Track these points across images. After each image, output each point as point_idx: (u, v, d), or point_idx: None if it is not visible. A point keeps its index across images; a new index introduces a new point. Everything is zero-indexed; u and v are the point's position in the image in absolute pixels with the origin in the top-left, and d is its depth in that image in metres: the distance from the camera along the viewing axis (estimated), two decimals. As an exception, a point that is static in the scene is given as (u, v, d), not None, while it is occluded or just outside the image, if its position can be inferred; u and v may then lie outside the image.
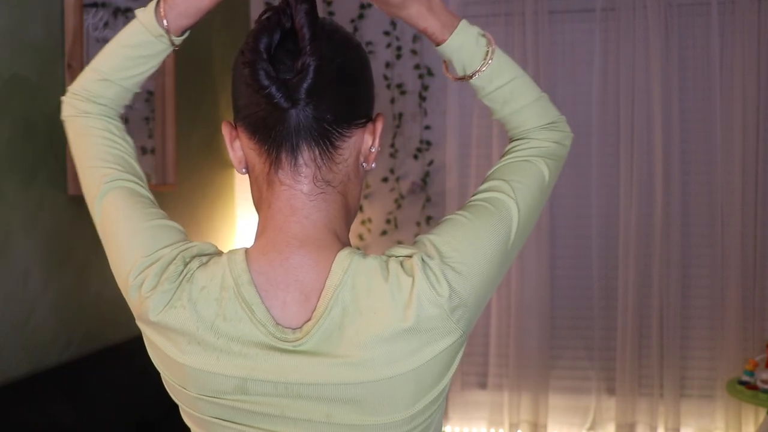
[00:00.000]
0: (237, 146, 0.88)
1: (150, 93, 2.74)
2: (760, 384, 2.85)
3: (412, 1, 0.90)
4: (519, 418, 3.43)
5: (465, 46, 0.92)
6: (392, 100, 3.49)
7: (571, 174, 3.39)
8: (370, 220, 3.54)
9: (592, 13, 3.33)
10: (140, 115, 2.69)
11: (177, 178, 2.85)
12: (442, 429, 0.91)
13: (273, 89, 0.79)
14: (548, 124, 0.96)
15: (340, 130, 0.84)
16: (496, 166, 0.94)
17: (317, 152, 0.84)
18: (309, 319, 0.81)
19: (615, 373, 3.36)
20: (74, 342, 2.32)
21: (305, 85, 0.79)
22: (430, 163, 3.50)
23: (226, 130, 0.89)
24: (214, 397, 0.83)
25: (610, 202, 3.35)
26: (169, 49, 0.96)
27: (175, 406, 0.90)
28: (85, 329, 2.37)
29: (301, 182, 0.84)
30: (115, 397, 2.22)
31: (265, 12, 0.83)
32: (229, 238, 3.47)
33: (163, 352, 0.84)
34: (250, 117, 0.84)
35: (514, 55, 3.34)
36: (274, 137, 0.83)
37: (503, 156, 0.95)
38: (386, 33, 3.49)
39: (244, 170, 0.89)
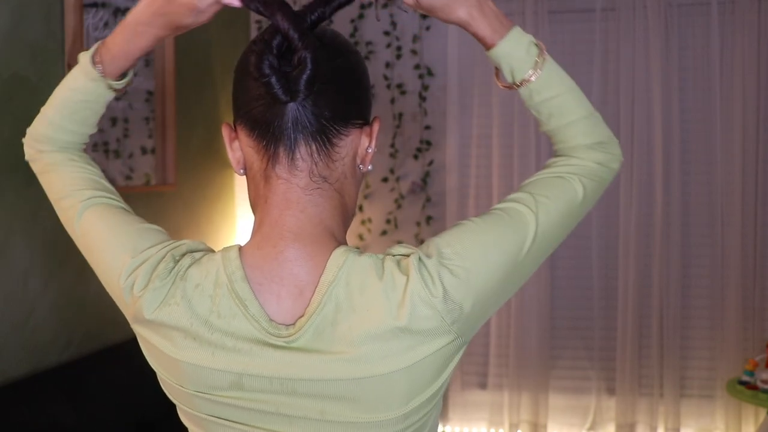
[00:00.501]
0: (236, 146, 0.89)
1: (150, 93, 2.74)
2: (760, 384, 2.85)
3: (459, 4, 0.88)
4: (519, 418, 3.43)
5: (514, 53, 0.90)
6: (392, 100, 3.49)
7: (571, 174, 3.39)
8: (370, 220, 3.54)
9: (592, 13, 3.33)
10: (140, 115, 2.69)
11: (177, 178, 2.85)
12: (442, 429, 0.90)
13: (273, 79, 0.80)
14: (595, 143, 0.92)
15: (337, 128, 0.85)
16: (529, 180, 0.91)
17: (314, 147, 0.84)
18: (302, 315, 0.81)
19: (615, 373, 3.36)
20: (74, 342, 2.32)
21: (304, 77, 0.80)
22: (430, 163, 3.50)
23: (225, 132, 0.90)
24: (210, 394, 0.83)
25: (610, 202, 3.35)
26: (109, 93, 0.96)
27: (175, 406, 0.90)
28: (85, 329, 2.37)
29: (298, 176, 0.85)
30: (115, 397, 2.22)
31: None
32: (229, 238, 3.47)
33: (158, 350, 0.84)
34: (250, 113, 0.85)
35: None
36: (272, 132, 0.84)
37: (541, 170, 0.93)
38: (386, 33, 3.49)
39: (242, 171, 0.90)
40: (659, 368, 3.31)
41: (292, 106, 0.83)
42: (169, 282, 0.83)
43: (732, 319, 3.23)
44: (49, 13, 2.20)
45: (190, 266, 0.84)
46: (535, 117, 0.95)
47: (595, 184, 0.91)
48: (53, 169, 0.99)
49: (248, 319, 0.81)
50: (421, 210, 3.53)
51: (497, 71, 0.94)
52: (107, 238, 0.89)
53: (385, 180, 3.52)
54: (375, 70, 3.42)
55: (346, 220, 0.90)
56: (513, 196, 0.88)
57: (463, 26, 0.90)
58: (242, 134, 0.87)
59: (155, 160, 2.78)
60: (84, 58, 0.94)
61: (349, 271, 0.81)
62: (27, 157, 1.02)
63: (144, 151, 2.71)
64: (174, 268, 0.84)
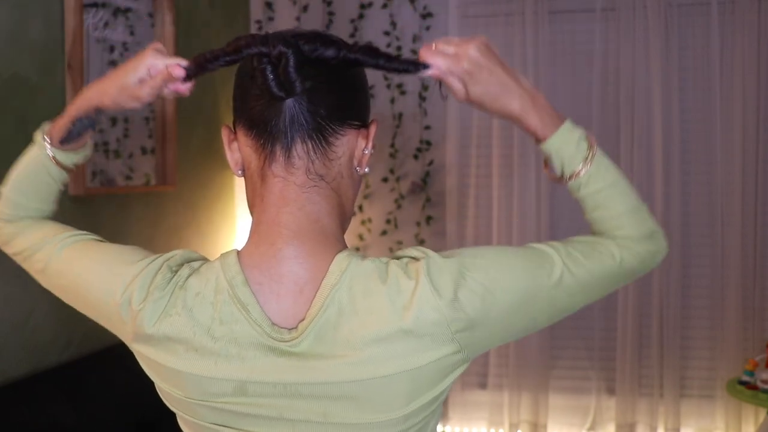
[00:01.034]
0: (234, 147, 0.90)
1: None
2: (760, 384, 2.85)
3: (513, 96, 0.88)
4: (519, 418, 3.43)
5: (564, 148, 0.90)
6: (392, 100, 3.49)
7: (571, 174, 3.39)
8: (370, 220, 3.54)
9: (592, 13, 3.33)
10: (140, 115, 2.69)
11: (177, 178, 2.85)
12: (442, 429, 0.90)
13: (267, 69, 0.81)
14: (643, 236, 0.91)
15: (333, 126, 0.85)
16: (569, 238, 0.91)
17: (310, 145, 0.84)
18: (303, 319, 0.81)
19: (615, 373, 3.36)
20: (74, 342, 2.32)
21: (290, 66, 0.80)
22: (430, 163, 3.50)
23: (224, 133, 0.90)
24: (213, 401, 0.83)
25: (610, 202, 3.35)
26: (51, 164, 0.99)
27: (175, 407, 0.90)
28: (85, 329, 2.37)
29: (295, 174, 0.85)
30: (115, 397, 2.22)
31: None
32: (229, 238, 3.47)
33: (159, 364, 0.83)
34: (248, 112, 0.86)
35: (514, 55, 3.34)
36: (269, 131, 0.84)
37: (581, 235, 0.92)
38: (386, 33, 3.49)
39: (240, 172, 0.90)
40: (659, 368, 3.31)
41: (289, 105, 0.83)
42: (168, 293, 0.83)
43: (732, 319, 3.23)
44: (49, 13, 2.20)
45: (189, 276, 0.84)
46: (581, 205, 0.94)
47: (634, 265, 0.90)
48: (17, 233, 1.02)
49: (250, 324, 0.81)
50: (421, 210, 3.52)
51: (545, 162, 0.94)
52: (93, 265, 0.90)
53: (385, 180, 3.52)
54: (375, 70, 3.42)
55: (343, 220, 0.90)
56: (547, 242, 0.89)
57: (515, 119, 0.90)
58: (241, 134, 0.88)
59: (155, 160, 2.78)
60: (36, 133, 1.00)
61: (353, 275, 0.81)
62: None
63: (144, 151, 2.71)
64: (173, 278, 0.84)
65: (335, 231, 0.87)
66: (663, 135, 3.25)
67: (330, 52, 0.82)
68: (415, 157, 3.51)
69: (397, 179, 3.53)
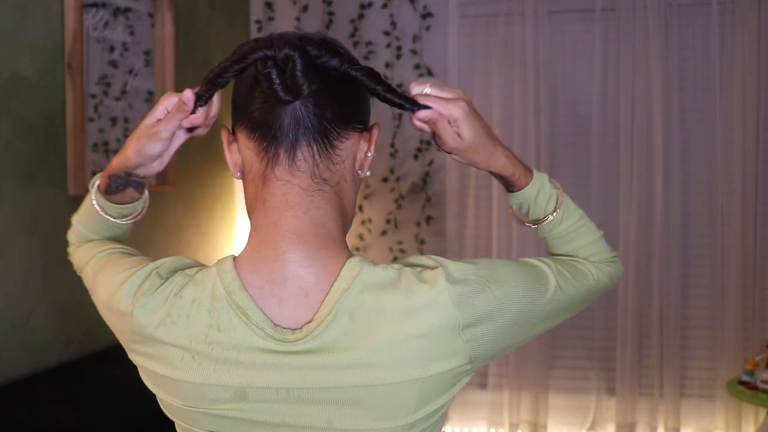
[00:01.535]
0: (234, 149, 0.89)
1: (150, 93, 2.74)
2: (760, 384, 2.85)
3: (497, 154, 0.92)
4: (519, 418, 3.43)
5: (540, 195, 0.97)
6: (392, 100, 3.48)
7: (571, 174, 3.39)
8: (370, 220, 3.54)
9: (592, 13, 3.33)
10: (140, 115, 2.69)
11: (177, 178, 2.85)
12: (442, 429, 0.91)
13: (273, 74, 0.80)
14: (607, 260, 1.00)
15: (338, 130, 0.85)
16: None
17: (315, 149, 0.84)
18: (310, 321, 0.80)
19: (615, 373, 3.36)
20: (74, 342, 2.32)
21: (297, 70, 0.79)
22: (430, 163, 3.50)
23: (223, 135, 0.90)
24: (212, 408, 0.82)
25: (610, 202, 3.35)
26: (105, 218, 1.00)
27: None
28: (85, 329, 2.37)
29: (299, 177, 0.84)
30: (115, 397, 2.21)
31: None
32: (229, 238, 3.47)
33: (157, 374, 0.83)
34: (251, 115, 0.85)
35: (514, 55, 3.34)
36: (273, 134, 0.83)
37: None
38: (386, 33, 3.49)
39: (239, 174, 0.89)
40: (659, 368, 3.31)
41: (293, 107, 0.82)
42: (162, 300, 0.82)
43: (732, 319, 3.23)
44: (49, 13, 2.20)
45: (185, 284, 0.83)
46: (547, 243, 1.01)
47: (606, 283, 0.99)
48: (74, 253, 1.05)
49: (251, 329, 0.80)
50: (421, 210, 3.52)
51: (513, 210, 1.01)
52: (102, 279, 0.92)
53: (385, 180, 3.52)
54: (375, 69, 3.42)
55: (345, 223, 0.89)
56: (540, 259, 0.93)
57: (500, 167, 0.94)
58: (242, 137, 0.87)
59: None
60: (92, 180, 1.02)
61: (364, 281, 0.80)
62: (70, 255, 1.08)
63: (144, 151, 2.71)
64: (163, 285, 0.83)
65: (339, 235, 0.86)
66: (663, 135, 3.25)
67: (334, 63, 0.82)
68: (415, 157, 3.51)
69: (397, 179, 3.53)
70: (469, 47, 3.43)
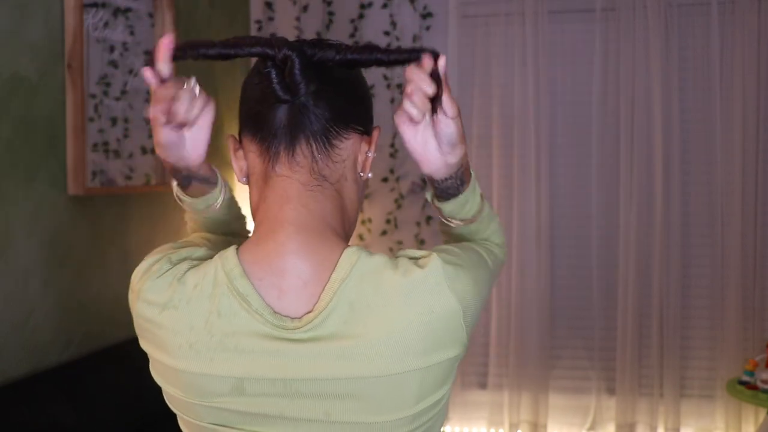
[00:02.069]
0: (240, 155, 0.91)
1: (150, 93, 2.74)
2: (760, 384, 2.85)
3: (462, 142, 0.91)
4: (519, 418, 3.43)
5: (470, 199, 0.97)
6: (392, 100, 3.49)
7: (571, 174, 3.39)
8: (370, 220, 3.55)
9: (592, 13, 3.33)
10: (140, 115, 2.69)
11: (177, 178, 2.85)
12: (442, 429, 0.91)
13: (273, 73, 0.83)
14: (504, 241, 1.08)
15: (337, 129, 0.86)
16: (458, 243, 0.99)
17: (314, 146, 0.85)
18: (310, 311, 0.80)
19: (615, 373, 3.36)
20: (74, 342, 2.32)
21: (296, 69, 0.81)
22: (430, 163, 3.50)
23: (230, 142, 0.93)
24: (211, 401, 0.82)
25: (610, 202, 3.35)
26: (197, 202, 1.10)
27: (176, 407, 0.90)
28: (85, 329, 2.37)
29: (299, 172, 0.86)
30: (115, 397, 2.22)
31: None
32: (229, 238, 3.46)
33: (159, 362, 0.84)
34: (254, 117, 0.87)
35: (514, 55, 3.35)
36: (274, 132, 0.85)
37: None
38: (386, 33, 3.49)
39: (244, 179, 0.92)
40: (659, 368, 3.31)
41: (293, 106, 0.84)
42: (166, 285, 0.83)
43: (732, 319, 3.23)
44: (49, 13, 2.20)
45: (188, 270, 0.84)
46: (448, 226, 1.02)
47: (504, 260, 1.06)
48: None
49: (251, 314, 0.80)
50: (421, 210, 3.52)
51: (433, 200, 0.99)
52: None
53: (385, 180, 3.52)
54: (375, 70, 3.42)
55: (346, 222, 0.90)
56: (464, 243, 0.96)
57: (460, 161, 0.91)
58: (246, 141, 0.89)
59: (155, 160, 2.77)
60: (174, 188, 1.09)
61: (363, 270, 0.81)
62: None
63: (144, 151, 2.71)
64: (169, 270, 0.84)
65: (339, 231, 0.87)
66: (663, 135, 3.25)
67: (330, 54, 0.84)
68: (415, 157, 3.50)
69: (397, 179, 3.53)
70: (469, 47, 3.43)
